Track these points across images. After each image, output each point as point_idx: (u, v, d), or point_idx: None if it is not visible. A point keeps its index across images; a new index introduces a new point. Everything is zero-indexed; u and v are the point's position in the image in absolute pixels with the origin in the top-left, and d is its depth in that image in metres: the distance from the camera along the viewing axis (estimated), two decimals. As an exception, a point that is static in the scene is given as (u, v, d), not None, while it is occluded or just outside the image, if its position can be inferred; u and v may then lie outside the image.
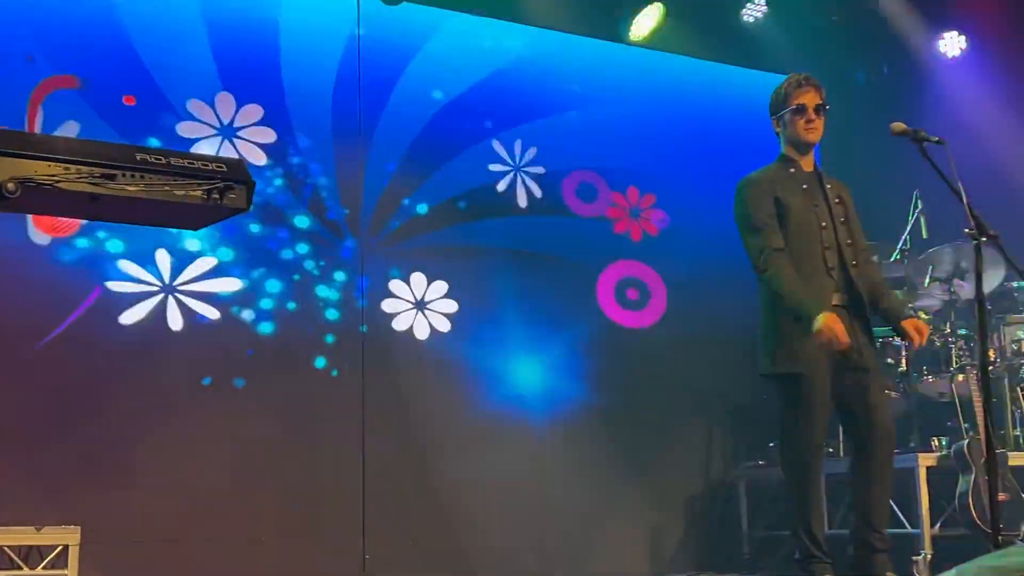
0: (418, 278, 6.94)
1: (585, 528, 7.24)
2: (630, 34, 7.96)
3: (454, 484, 6.68)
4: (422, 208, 7.11)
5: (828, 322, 4.75)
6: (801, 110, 5.10)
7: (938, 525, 6.30)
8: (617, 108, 8.15)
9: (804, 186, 5.13)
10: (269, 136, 6.85)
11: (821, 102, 5.18)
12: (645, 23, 7.92)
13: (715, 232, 7.88)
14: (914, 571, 5.68)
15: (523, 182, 7.45)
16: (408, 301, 6.89)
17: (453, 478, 6.69)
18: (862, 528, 4.99)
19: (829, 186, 5.22)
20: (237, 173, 3.15)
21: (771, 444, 7.36)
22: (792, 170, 5.18)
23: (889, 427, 5.13)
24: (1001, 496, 5.56)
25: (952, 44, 8.40)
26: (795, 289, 4.94)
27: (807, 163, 5.20)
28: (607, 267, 7.92)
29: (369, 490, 6.44)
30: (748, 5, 8.16)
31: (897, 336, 5.57)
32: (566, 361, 7.46)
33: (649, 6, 7.73)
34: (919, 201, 7.03)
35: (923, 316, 6.62)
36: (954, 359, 6.63)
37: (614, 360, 7.64)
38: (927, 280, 6.72)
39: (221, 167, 3.12)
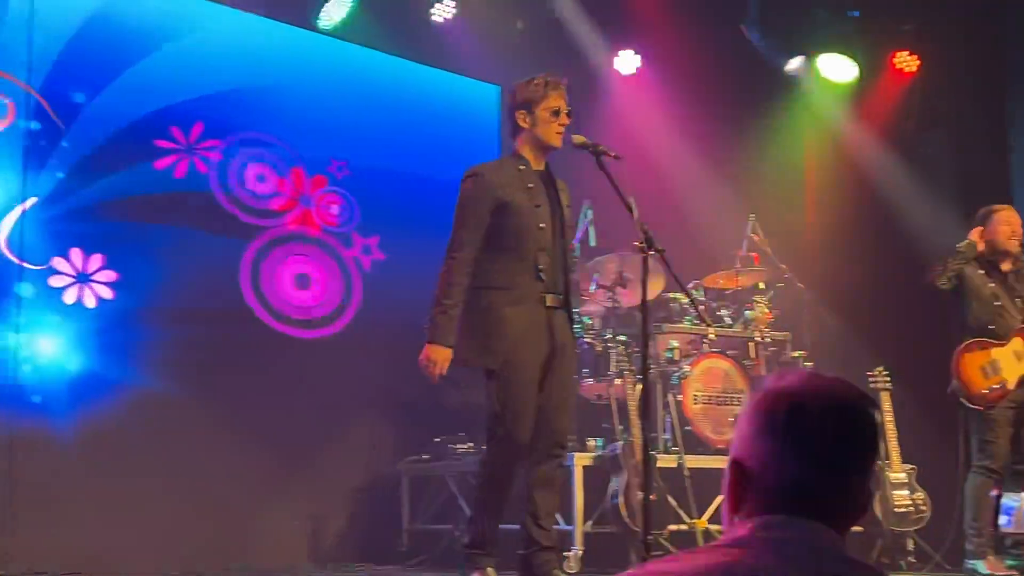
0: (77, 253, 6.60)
1: (243, 520, 7.02)
2: (320, 22, 7.81)
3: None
4: (88, 185, 6.80)
5: (432, 355, 4.92)
6: (558, 113, 5.04)
7: (590, 523, 6.39)
8: (302, 95, 7.99)
9: (530, 185, 5.07)
10: None
11: (569, 108, 5.14)
12: (335, 12, 7.80)
13: (399, 224, 8.03)
14: (565, 567, 5.74)
15: (193, 163, 7.22)
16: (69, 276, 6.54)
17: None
18: (531, 526, 5.01)
19: (559, 187, 5.22)
20: None
21: (437, 439, 7.44)
22: (522, 168, 5.11)
23: (568, 430, 5.19)
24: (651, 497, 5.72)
25: (628, 62, 8.55)
26: (449, 296, 4.98)
27: (539, 163, 5.15)
28: (274, 251, 7.73)
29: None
30: (436, 5, 8.14)
31: None
32: (215, 349, 7.18)
33: (338, -5, 7.62)
34: (589, 211, 7.18)
35: (587, 321, 6.84)
36: (613, 363, 6.68)
37: (278, 350, 7.47)
38: (592, 287, 6.90)
39: None
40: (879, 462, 6.93)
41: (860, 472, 1.82)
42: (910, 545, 7.01)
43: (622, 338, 6.89)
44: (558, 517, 5.74)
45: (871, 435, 1.82)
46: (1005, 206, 6.78)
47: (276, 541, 7.24)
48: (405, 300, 7.74)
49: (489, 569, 4.87)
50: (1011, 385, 6.39)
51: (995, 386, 6.38)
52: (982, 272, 6.60)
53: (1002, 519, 6.43)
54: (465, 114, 8.92)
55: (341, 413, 7.70)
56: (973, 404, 6.38)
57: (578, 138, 5.00)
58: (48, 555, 6.00)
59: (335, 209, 8.01)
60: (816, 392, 1.81)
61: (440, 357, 4.92)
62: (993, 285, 6.61)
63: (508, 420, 4.95)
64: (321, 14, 7.78)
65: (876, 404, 7.00)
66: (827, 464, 1.78)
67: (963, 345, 6.44)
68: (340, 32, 8.06)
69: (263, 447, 7.22)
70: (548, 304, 4.99)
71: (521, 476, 5.07)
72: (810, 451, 1.77)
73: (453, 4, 8.19)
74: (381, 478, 7.84)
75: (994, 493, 6.43)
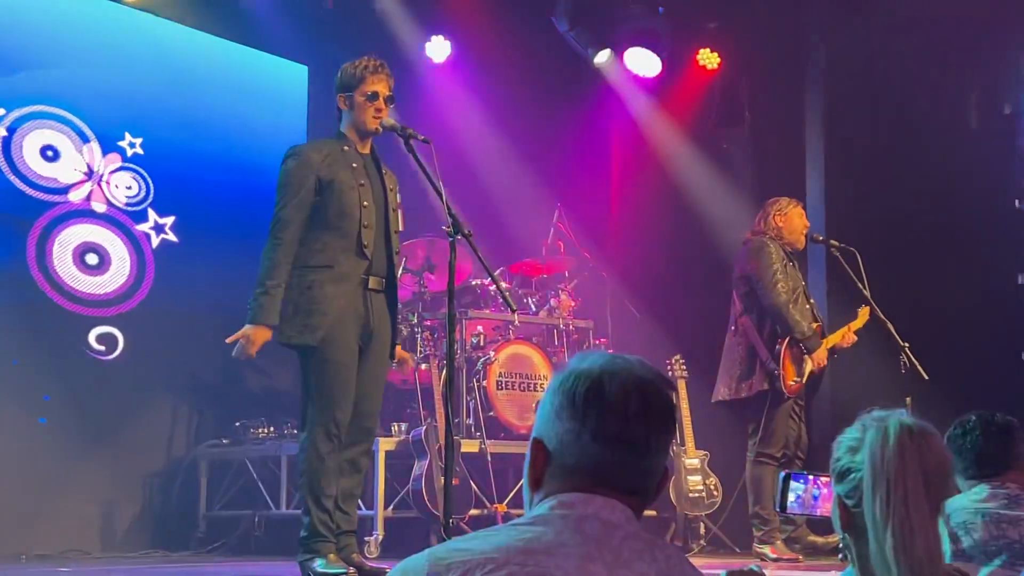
0: None
1: (33, 507, 6.79)
2: None
3: None
4: None
5: (251, 334, 4.92)
6: (374, 97, 5.05)
7: (391, 507, 6.44)
8: (99, 68, 7.70)
9: (354, 165, 5.07)
10: None
11: (390, 92, 5.15)
12: None
13: (197, 204, 7.90)
14: (365, 551, 5.76)
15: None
16: None
17: None
18: (336, 510, 5.03)
19: (384, 172, 5.22)
20: None
21: (237, 423, 7.39)
22: (346, 148, 5.12)
23: (377, 416, 5.24)
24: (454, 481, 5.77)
25: (439, 49, 8.56)
26: (272, 276, 4.94)
27: (364, 146, 5.16)
28: (61, 228, 7.44)
29: None
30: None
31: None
32: (1, 329, 6.91)
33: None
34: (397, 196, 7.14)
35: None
36: (419, 348, 6.79)
37: (67, 329, 7.22)
38: (400, 271, 6.85)
39: None
40: (674, 447, 7.10)
41: (656, 452, 1.83)
42: (702, 529, 7.18)
43: (427, 323, 6.97)
44: (359, 502, 5.78)
45: (668, 415, 1.83)
46: (792, 205, 7.00)
47: (67, 528, 7.00)
48: (201, 281, 7.70)
49: (331, 556, 4.85)
50: (804, 380, 6.59)
51: (800, 379, 6.55)
52: (791, 265, 6.73)
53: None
54: (273, 93, 8.82)
55: (136, 396, 7.48)
56: (787, 393, 6.52)
57: (387, 120, 5.04)
58: None
59: (128, 187, 7.76)
60: (615, 371, 1.82)
61: (259, 337, 4.89)
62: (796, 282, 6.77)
63: (326, 400, 4.94)
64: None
65: (673, 386, 7.26)
66: (625, 442, 1.79)
67: (786, 340, 6.57)
68: (144, 5, 7.79)
69: (54, 431, 6.96)
70: (370, 286, 5.01)
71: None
72: (608, 430, 1.78)
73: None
74: (178, 463, 7.67)
75: (783, 474, 6.61)
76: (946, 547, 3.45)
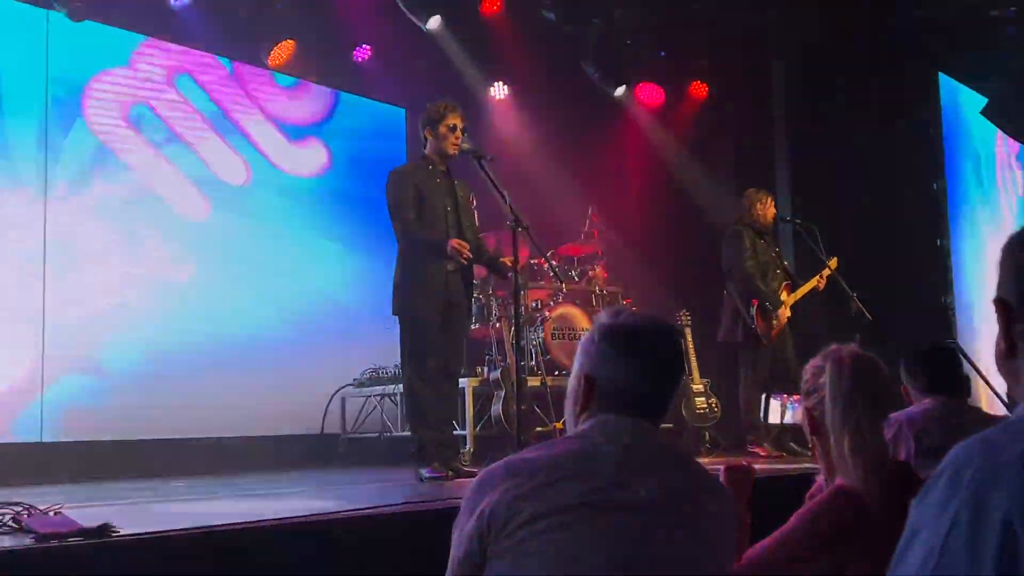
0: None
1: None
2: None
3: None
4: None
5: (457, 246, 4.81)
6: (453, 129, 5.00)
7: (478, 427, 6.46)
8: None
9: (437, 180, 5.06)
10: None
11: (464, 124, 5.11)
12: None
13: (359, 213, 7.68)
14: (460, 461, 5.75)
15: None
16: None
17: None
18: (444, 429, 5.10)
19: (456, 183, 5.18)
20: None
21: (370, 368, 7.35)
22: (431, 167, 5.09)
23: (461, 362, 5.25)
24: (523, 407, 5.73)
25: (499, 90, 8.53)
26: (423, 246, 4.92)
27: (443, 165, 5.13)
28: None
29: None
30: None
31: (497, 274, 5.61)
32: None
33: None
34: (474, 199, 7.06)
35: (475, 283, 6.79)
36: (494, 312, 6.81)
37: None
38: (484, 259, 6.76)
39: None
40: (684, 376, 7.15)
41: (671, 381, 1.88)
42: (707, 437, 7.14)
43: (500, 294, 6.92)
44: (455, 424, 5.81)
45: (678, 356, 1.89)
46: (763, 195, 6.92)
47: (245, 449, 6.82)
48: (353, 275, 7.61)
49: (435, 464, 4.87)
50: (775, 330, 6.51)
51: (770, 329, 6.50)
52: (763, 242, 6.68)
53: (772, 415, 6.50)
54: (376, 133, 8.57)
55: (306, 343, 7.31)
56: (763, 338, 6.51)
57: (464, 144, 5.02)
58: None
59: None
60: (642, 324, 1.87)
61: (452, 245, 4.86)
62: (771, 262, 6.71)
63: (423, 348, 4.94)
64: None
65: (682, 334, 7.20)
66: (650, 374, 1.83)
67: (757, 302, 6.56)
68: (281, 67, 7.42)
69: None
70: (448, 269, 4.95)
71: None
72: (638, 365, 1.82)
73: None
74: (328, 397, 7.48)
75: (765, 395, 6.53)
76: (911, 450, 3.38)
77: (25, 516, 2.88)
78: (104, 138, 6.55)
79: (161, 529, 2.76)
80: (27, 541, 2.55)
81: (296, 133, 7.77)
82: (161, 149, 6.83)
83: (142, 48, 6.85)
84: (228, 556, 2.78)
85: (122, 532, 2.60)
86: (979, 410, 3.99)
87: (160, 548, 2.63)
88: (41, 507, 3.02)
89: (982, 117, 9.25)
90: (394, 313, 5.04)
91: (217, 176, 7.13)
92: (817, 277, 6.61)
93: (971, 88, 9.34)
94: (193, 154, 7.00)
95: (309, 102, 7.93)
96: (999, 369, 1.14)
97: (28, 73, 6.15)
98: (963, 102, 9.40)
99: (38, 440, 6.05)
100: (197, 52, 7.14)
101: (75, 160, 6.38)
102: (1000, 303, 1.12)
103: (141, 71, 6.84)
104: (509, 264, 4.96)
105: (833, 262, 6.59)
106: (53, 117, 6.27)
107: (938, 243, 8.59)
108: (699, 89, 8.80)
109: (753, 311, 6.42)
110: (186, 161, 6.96)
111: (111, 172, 6.58)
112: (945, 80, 8.96)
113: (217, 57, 7.30)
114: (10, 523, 2.80)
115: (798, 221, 6.99)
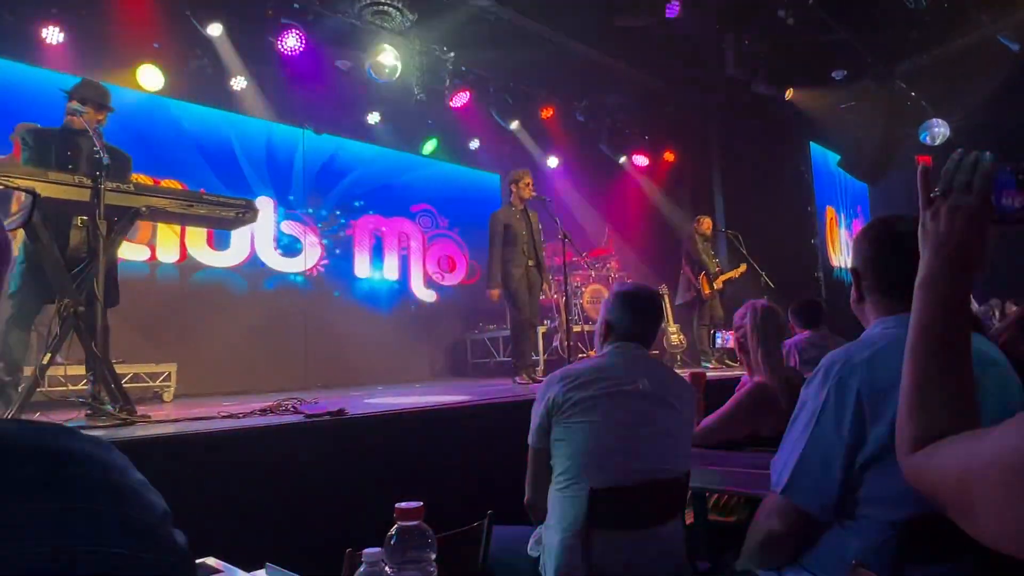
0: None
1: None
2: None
3: None
4: None
5: (493, 293, 5.02)
6: (527, 185, 5.30)
7: (545, 354, 6.71)
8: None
9: (518, 216, 5.31)
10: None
11: (532, 182, 5.32)
12: None
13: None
14: (535, 373, 5.62)
15: None
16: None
17: None
18: (528, 354, 5.26)
19: (530, 214, 5.40)
20: (250, 206, 3.30)
21: (481, 323, 7.99)
22: (513, 208, 5.35)
23: (536, 318, 5.44)
24: (570, 343, 5.59)
25: (552, 162, 8.84)
26: (499, 263, 5.11)
27: (521, 205, 5.36)
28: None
29: None
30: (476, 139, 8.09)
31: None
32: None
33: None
34: (540, 225, 5.93)
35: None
36: (554, 288, 6.53)
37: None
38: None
39: (241, 202, 3.27)
40: (663, 322, 7.33)
41: (655, 324, 1.96)
42: (678, 358, 7.36)
43: (557, 279, 6.84)
44: (532, 352, 5.87)
45: (660, 309, 1.99)
46: (705, 217, 7.35)
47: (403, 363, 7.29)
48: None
49: (523, 374, 5.19)
50: (712, 292, 6.93)
51: (710, 292, 6.99)
52: (707, 244, 7.21)
53: (718, 345, 6.09)
54: (482, 195, 8.86)
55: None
56: (705, 299, 6.95)
57: (533, 193, 5.34)
58: None
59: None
60: (638, 291, 1.96)
61: (496, 293, 5.22)
62: (709, 255, 7.14)
63: (517, 311, 5.26)
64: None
65: (662, 297, 5.94)
66: (643, 319, 1.93)
67: (702, 274, 6.93)
68: (433, 156, 8.10)
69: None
70: (529, 266, 5.30)
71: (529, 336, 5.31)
72: (636, 314, 1.91)
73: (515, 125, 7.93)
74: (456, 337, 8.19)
75: (711, 332, 6.61)
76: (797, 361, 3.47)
77: (298, 404, 3.15)
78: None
79: (378, 411, 2.96)
80: (299, 418, 2.75)
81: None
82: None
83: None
84: (439, 424, 2.98)
85: (350, 414, 2.82)
86: (835, 337, 4.06)
87: (374, 423, 2.81)
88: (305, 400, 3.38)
89: (838, 167, 9.89)
90: (501, 296, 5.36)
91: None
92: (741, 266, 7.15)
93: (829, 149, 9.76)
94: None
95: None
96: (854, 311, 1.22)
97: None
98: (828, 159, 9.90)
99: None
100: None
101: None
102: (853, 270, 1.19)
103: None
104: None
105: (743, 267, 6.99)
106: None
107: (812, 242, 8.95)
108: (669, 155, 9.16)
109: (700, 283, 7.00)
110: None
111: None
112: (815, 145, 9.46)
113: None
114: (292, 408, 3.04)
115: (728, 231, 7.60)
